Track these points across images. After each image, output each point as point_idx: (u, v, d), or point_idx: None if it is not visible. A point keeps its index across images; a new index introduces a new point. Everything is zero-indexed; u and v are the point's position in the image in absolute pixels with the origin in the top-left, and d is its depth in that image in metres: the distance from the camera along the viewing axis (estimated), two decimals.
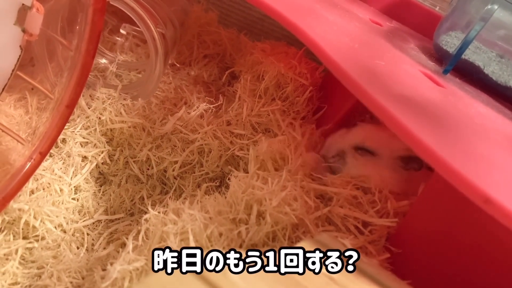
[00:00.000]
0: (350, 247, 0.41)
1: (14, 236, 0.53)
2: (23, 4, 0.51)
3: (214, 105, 0.68)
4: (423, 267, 0.48)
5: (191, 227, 0.45)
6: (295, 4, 0.57)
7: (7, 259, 0.52)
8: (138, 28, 0.67)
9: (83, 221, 0.58)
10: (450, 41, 0.63)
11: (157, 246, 0.45)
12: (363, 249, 0.48)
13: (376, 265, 0.41)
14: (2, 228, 0.53)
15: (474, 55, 0.60)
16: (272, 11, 0.51)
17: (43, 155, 0.52)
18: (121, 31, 0.73)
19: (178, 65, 0.80)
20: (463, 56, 0.58)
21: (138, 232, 0.48)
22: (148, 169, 0.64)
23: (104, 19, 0.49)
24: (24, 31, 0.52)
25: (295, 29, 0.49)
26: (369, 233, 0.48)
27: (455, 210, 0.45)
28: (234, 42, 0.86)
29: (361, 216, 0.49)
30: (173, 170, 0.63)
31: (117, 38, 0.76)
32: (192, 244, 0.44)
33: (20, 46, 0.53)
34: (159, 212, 0.48)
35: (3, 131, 0.55)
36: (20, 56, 0.54)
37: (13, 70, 0.54)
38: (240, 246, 0.47)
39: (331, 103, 0.69)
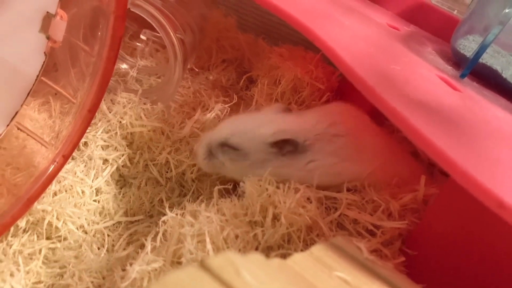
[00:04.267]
0: (365, 250, 0.41)
1: (38, 237, 0.55)
2: (47, 12, 0.53)
3: (228, 104, 0.69)
4: (438, 271, 0.49)
5: (208, 229, 0.46)
6: (312, 9, 0.58)
7: (31, 258, 0.53)
8: (158, 34, 0.68)
9: (104, 223, 0.59)
10: (467, 45, 0.62)
11: (174, 248, 0.46)
12: (378, 252, 0.48)
13: (391, 268, 0.41)
14: (27, 229, 0.55)
15: (492, 59, 0.60)
16: (288, 16, 0.52)
17: (66, 158, 0.54)
18: (141, 36, 0.75)
19: (196, 70, 0.81)
20: (480, 60, 0.58)
21: (157, 233, 0.49)
22: (167, 172, 0.65)
23: (124, 25, 0.50)
24: (48, 38, 0.54)
25: (310, 34, 0.50)
26: (382, 234, 0.48)
27: (471, 213, 0.45)
28: (252, 47, 0.87)
29: (371, 219, 0.49)
30: (191, 173, 0.64)
31: (138, 43, 0.78)
32: (209, 246, 0.45)
33: (44, 52, 0.55)
34: (176, 214, 0.49)
35: (28, 134, 0.57)
36: (44, 62, 0.56)
37: (37, 76, 0.56)
38: (256, 248, 0.48)
39: None
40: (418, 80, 0.49)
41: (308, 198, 0.50)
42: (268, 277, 0.28)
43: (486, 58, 0.60)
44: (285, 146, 0.53)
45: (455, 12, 0.77)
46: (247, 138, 0.54)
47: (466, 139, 0.41)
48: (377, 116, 0.67)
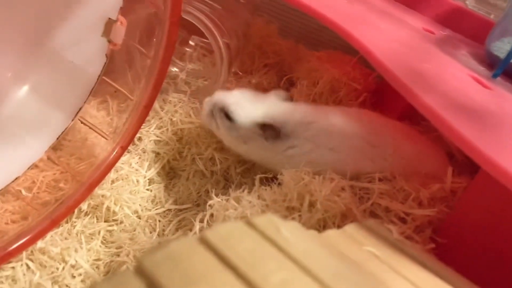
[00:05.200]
0: (395, 231, 0.45)
1: (97, 219, 0.61)
2: (109, 18, 0.59)
3: None
4: (468, 260, 0.51)
5: (250, 212, 0.50)
6: (349, 14, 0.62)
7: (91, 238, 0.59)
8: (205, 40, 0.74)
9: (156, 209, 0.65)
10: (502, 47, 0.65)
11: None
12: (409, 239, 0.51)
13: (420, 248, 0.44)
14: (88, 212, 0.61)
15: None
16: (329, 21, 0.56)
17: (123, 148, 0.60)
18: (190, 42, 0.81)
19: (240, 74, 0.86)
20: None
21: (204, 216, 0.54)
22: (212, 166, 0.70)
23: (178, 31, 0.56)
24: (109, 41, 0.60)
25: (349, 36, 0.54)
26: (412, 221, 0.51)
27: (502, 204, 0.47)
28: (292, 52, 0.92)
29: (402, 207, 0.52)
30: (235, 168, 0.69)
31: (187, 49, 0.84)
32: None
33: (106, 54, 0.61)
34: (221, 200, 0.54)
35: (90, 128, 0.63)
36: (105, 63, 0.62)
37: (99, 75, 0.63)
38: None
39: (384, 108, 0.72)
40: (449, 78, 0.52)
41: (342, 188, 0.54)
42: (305, 238, 0.32)
43: None
44: (268, 130, 0.58)
45: (491, 16, 0.79)
46: (242, 112, 0.59)
47: (493, 131, 0.44)
48: (413, 116, 0.70)
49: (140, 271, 0.24)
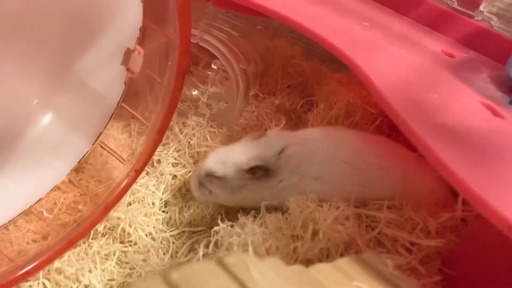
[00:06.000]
0: (390, 265, 0.44)
1: (113, 240, 0.64)
2: (127, 48, 0.63)
3: (280, 125, 0.74)
4: None
5: (251, 239, 0.51)
6: (359, 39, 0.62)
7: (106, 259, 0.62)
8: None
9: (170, 231, 0.66)
10: None
11: (222, 254, 0.52)
12: (414, 270, 0.50)
13: (415, 284, 0.43)
14: (104, 233, 0.64)
15: None
16: (331, 46, 0.57)
17: (138, 172, 0.62)
18: (213, 66, 0.83)
19: (261, 95, 0.88)
20: None
21: (209, 242, 0.55)
22: None
23: (189, 59, 0.58)
24: (128, 70, 0.63)
25: (350, 62, 0.54)
26: (417, 251, 0.50)
27: None
28: (315, 73, 0.92)
29: (408, 237, 0.51)
30: None
31: (209, 72, 0.86)
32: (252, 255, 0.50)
33: (124, 82, 0.65)
34: (227, 226, 0.55)
35: (109, 152, 0.67)
36: (124, 90, 0.65)
37: (118, 102, 0.66)
38: (296, 260, 0.52)
39: (400, 132, 0.71)
40: (454, 107, 0.51)
41: (347, 217, 0.53)
42: (278, 277, 0.32)
43: None
44: (257, 171, 0.58)
45: None
46: (226, 167, 0.60)
47: (492, 167, 0.42)
48: None
49: None
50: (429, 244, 0.51)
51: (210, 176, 0.62)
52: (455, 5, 0.81)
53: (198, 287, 0.28)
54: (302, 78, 0.92)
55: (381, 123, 0.71)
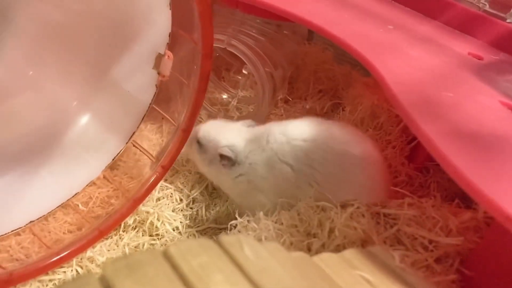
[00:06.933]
0: (397, 258, 0.45)
1: (142, 233, 0.67)
2: (158, 53, 0.67)
3: None
4: None
5: (265, 235, 0.53)
6: (380, 42, 0.63)
7: (135, 250, 0.66)
8: None
9: (196, 227, 0.69)
10: None
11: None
12: (429, 268, 0.50)
13: (421, 277, 0.44)
14: (134, 226, 0.68)
15: None
16: (351, 49, 0.58)
17: (165, 168, 0.66)
18: (243, 71, 0.86)
19: (291, 100, 0.90)
20: None
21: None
22: None
23: (211, 62, 0.61)
24: (159, 73, 0.67)
25: (368, 64, 0.55)
26: (434, 248, 0.50)
27: None
28: (346, 77, 0.93)
29: (428, 235, 0.51)
30: None
31: (239, 77, 0.90)
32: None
33: (156, 85, 0.69)
34: (243, 220, 0.57)
35: (141, 151, 0.71)
36: (155, 93, 0.70)
37: (150, 103, 0.70)
38: None
39: None
40: (469, 106, 0.51)
41: (363, 214, 0.54)
42: (272, 258, 0.34)
43: None
44: (225, 159, 0.63)
45: None
46: (209, 140, 0.65)
47: (503, 164, 0.42)
48: None
49: (102, 276, 0.29)
50: (448, 242, 0.51)
51: (196, 139, 0.67)
52: (487, 7, 0.80)
53: (190, 259, 0.30)
54: (333, 82, 0.94)
55: (406, 125, 0.71)
